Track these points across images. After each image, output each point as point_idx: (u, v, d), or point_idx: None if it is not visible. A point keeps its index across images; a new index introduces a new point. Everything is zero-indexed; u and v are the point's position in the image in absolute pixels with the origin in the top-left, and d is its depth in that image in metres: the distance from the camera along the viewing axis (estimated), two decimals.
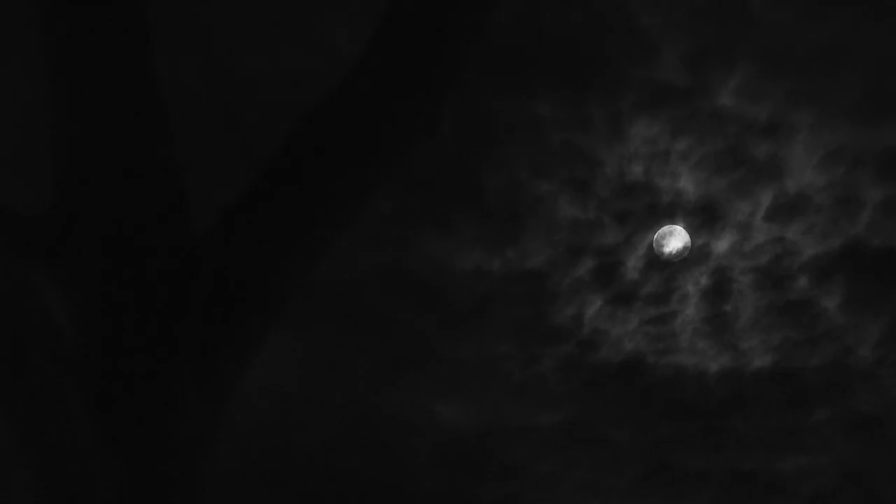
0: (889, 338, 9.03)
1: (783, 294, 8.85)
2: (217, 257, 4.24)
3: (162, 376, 4.07)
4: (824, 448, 9.83)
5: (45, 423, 4.27)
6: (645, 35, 7.37)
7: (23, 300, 4.29)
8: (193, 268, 4.19)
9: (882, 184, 8.17)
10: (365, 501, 10.15)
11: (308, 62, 7.00)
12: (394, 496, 10.22)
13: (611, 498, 10.35)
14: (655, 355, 9.24)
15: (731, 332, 9.12)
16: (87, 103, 4.16)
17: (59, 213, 4.17)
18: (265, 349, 4.42)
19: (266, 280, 4.30)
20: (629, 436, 9.84)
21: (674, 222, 8.46)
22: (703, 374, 9.38)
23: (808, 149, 8.02)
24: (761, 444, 9.84)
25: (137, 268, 4.12)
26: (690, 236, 8.51)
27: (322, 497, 10.12)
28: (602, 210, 8.38)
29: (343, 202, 4.39)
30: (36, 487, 4.26)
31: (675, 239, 8.52)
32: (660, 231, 8.48)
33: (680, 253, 8.54)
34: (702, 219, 8.44)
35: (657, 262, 8.65)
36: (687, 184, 8.27)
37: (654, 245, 8.54)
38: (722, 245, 8.62)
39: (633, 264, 8.71)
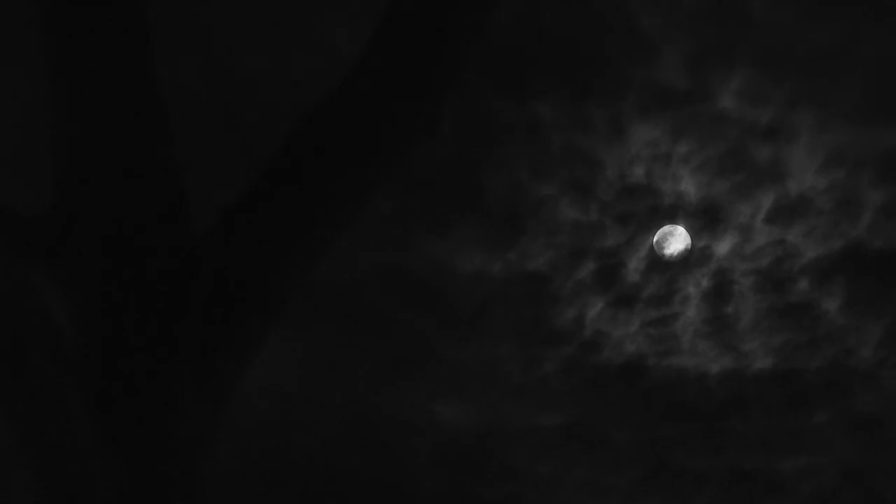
0: (889, 339, 9.02)
1: (784, 296, 8.85)
2: (217, 257, 4.24)
3: (162, 376, 4.07)
4: (825, 449, 9.82)
5: (45, 423, 4.26)
6: (645, 36, 7.37)
7: (23, 300, 4.29)
8: (193, 268, 4.19)
9: (883, 186, 8.17)
10: (365, 501, 10.14)
11: (308, 62, 7.00)
12: (394, 496, 10.21)
13: (611, 498, 10.34)
14: (657, 357, 9.24)
15: (732, 334, 9.11)
16: (87, 103, 4.16)
17: (59, 213, 4.17)
18: (265, 349, 4.41)
19: (266, 280, 4.29)
20: (630, 436, 9.85)
21: (675, 224, 8.46)
22: (704, 376, 9.38)
23: (809, 151, 8.01)
24: (762, 445, 9.84)
25: (137, 268, 4.12)
26: (692, 238, 8.51)
27: (322, 497, 10.11)
28: (603, 212, 8.38)
29: (343, 202, 4.39)
30: (36, 487, 4.26)
31: (675, 238, 8.52)
32: (661, 230, 8.48)
33: (680, 251, 8.54)
34: (703, 221, 8.44)
35: (658, 264, 8.65)
36: (688, 186, 8.27)
37: (654, 245, 8.54)
38: (723, 247, 8.62)
39: (634, 266, 8.71)
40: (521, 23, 7.11)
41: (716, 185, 8.24)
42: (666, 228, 8.49)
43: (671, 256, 8.58)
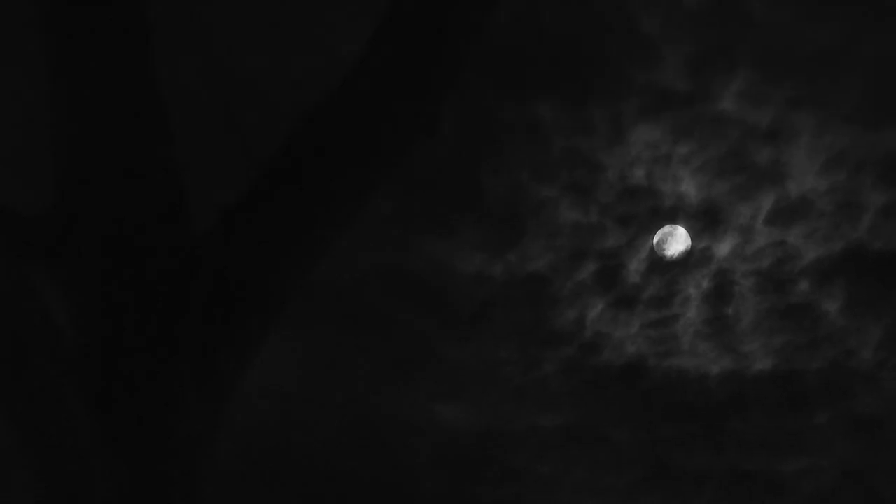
0: (890, 341, 9.02)
1: (784, 297, 8.85)
2: (217, 257, 4.24)
3: (162, 376, 4.07)
4: (825, 450, 9.82)
5: (45, 423, 4.27)
6: (646, 36, 7.36)
7: (23, 300, 4.29)
8: (193, 268, 4.19)
9: (883, 187, 8.17)
10: (365, 501, 10.14)
11: (308, 62, 7.00)
12: (394, 496, 10.21)
13: (611, 498, 10.34)
14: (657, 358, 9.24)
15: (732, 335, 9.11)
16: (87, 103, 4.16)
17: (59, 213, 4.17)
18: (265, 349, 4.42)
19: (266, 280, 4.30)
20: (630, 437, 9.84)
21: (675, 225, 8.46)
22: (704, 377, 9.38)
23: (810, 152, 8.01)
24: (762, 445, 9.84)
25: (137, 268, 4.13)
26: (692, 239, 8.51)
27: (322, 497, 10.11)
28: (604, 213, 8.38)
29: (343, 202, 4.39)
30: (36, 487, 4.26)
31: (675, 240, 8.52)
32: (661, 231, 8.48)
33: (680, 252, 8.54)
34: (703, 222, 8.44)
35: (659, 265, 8.64)
36: (688, 187, 8.27)
37: (654, 246, 8.54)
38: (723, 248, 8.61)
39: (634, 267, 8.71)
40: (521, 23, 7.11)
41: (716, 187, 8.24)
42: (666, 229, 8.49)
43: (671, 257, 8.58)
